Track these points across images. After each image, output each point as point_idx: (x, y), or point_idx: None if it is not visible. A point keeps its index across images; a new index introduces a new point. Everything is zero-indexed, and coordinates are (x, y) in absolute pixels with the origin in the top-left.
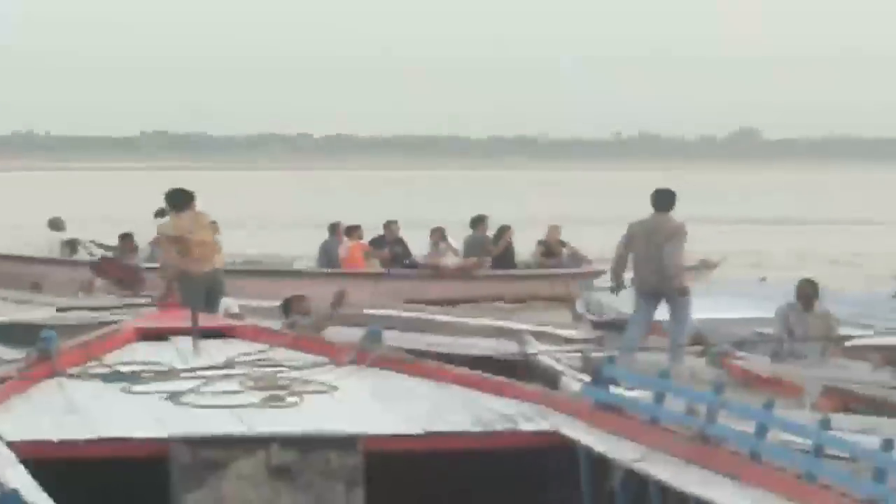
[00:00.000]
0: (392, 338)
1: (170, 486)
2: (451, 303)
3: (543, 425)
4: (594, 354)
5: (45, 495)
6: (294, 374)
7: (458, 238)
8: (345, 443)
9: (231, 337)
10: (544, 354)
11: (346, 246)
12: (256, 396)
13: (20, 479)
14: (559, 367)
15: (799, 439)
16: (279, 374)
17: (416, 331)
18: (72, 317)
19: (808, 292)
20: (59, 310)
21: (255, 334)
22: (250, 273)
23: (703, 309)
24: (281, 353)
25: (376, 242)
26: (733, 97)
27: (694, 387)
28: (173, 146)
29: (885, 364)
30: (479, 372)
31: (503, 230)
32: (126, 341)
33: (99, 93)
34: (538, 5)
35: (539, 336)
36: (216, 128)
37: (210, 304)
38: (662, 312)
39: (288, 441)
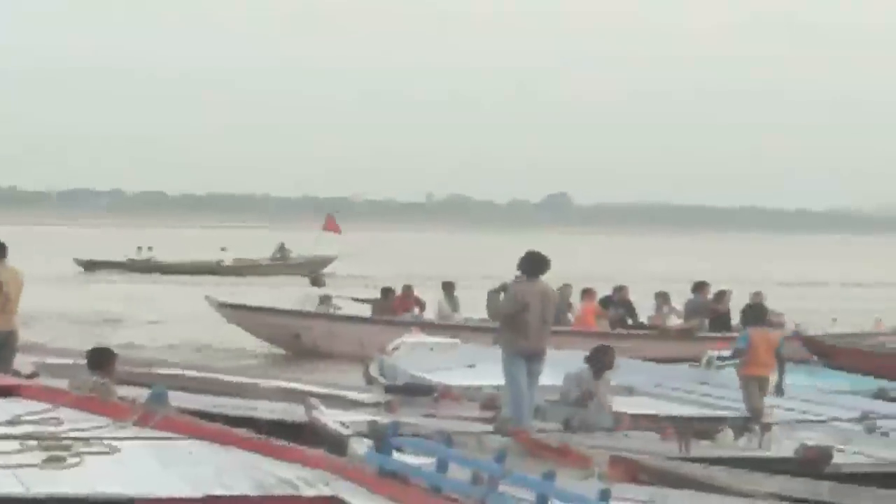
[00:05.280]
0: (178, 398)
1: None
2: (672, 361)
3: (324, 491)
4: (380, 419)
5: None
6: (76, 434)
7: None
8: None
9: (15, 396)
10: (330, 419)
11: (579, 306)
12: (37, 457)
13: None
14: (345, 432)
15: None
16: (61, 435)
17: (204, 391)
18: None
19: (600, 359)
20: None
21: (40, 394)
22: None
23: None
24: (65, 413)
25: (604, 303)
26: None
27: (480, 455)
28: None
29: (675, 435)
30: (263, 436)
31: (722, 294)
32: None
33: None
34: None
35: (328, 399)
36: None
37: (4, 362)
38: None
39: (63, 503)
